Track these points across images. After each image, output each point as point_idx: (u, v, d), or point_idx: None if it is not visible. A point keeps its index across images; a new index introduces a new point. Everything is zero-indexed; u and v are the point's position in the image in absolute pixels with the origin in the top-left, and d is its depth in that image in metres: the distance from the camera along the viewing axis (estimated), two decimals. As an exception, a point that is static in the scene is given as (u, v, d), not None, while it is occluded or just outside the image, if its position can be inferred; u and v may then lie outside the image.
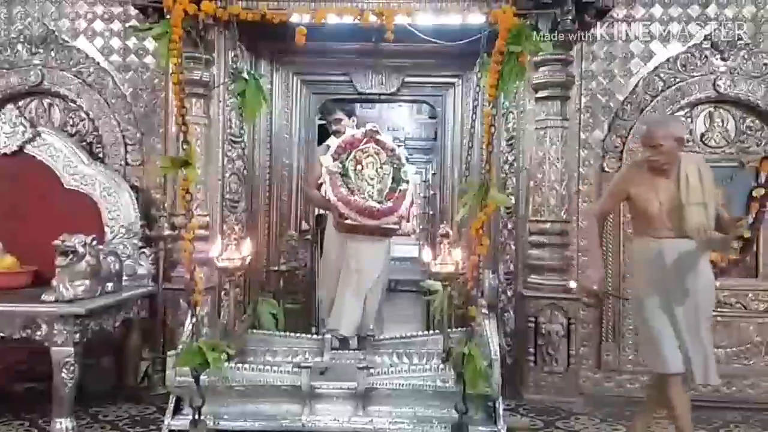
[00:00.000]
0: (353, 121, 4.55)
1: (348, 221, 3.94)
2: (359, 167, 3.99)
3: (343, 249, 4.21)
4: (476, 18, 3.89)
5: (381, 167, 4.03)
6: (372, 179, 3.99)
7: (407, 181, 4.05)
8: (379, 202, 3.94)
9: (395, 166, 4.05)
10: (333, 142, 4.22)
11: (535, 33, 2.92)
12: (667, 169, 2.99)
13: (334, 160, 3.97)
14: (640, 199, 3.05)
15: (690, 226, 2.88)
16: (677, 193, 2.94)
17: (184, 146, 2.62)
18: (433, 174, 7.67)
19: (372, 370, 2.72)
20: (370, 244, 4.17)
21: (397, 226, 4.10)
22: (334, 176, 3.93)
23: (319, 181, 4.10)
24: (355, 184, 3.95)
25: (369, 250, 4.19)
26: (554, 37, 3.97)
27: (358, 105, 8.78)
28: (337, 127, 4.46)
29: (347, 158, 3.99)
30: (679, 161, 2.99)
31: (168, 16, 2.71)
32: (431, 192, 7.97)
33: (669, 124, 3.08)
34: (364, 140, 4.04)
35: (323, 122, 5.28)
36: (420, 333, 3.42)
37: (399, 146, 4.22)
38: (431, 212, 7.22)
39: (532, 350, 4.09)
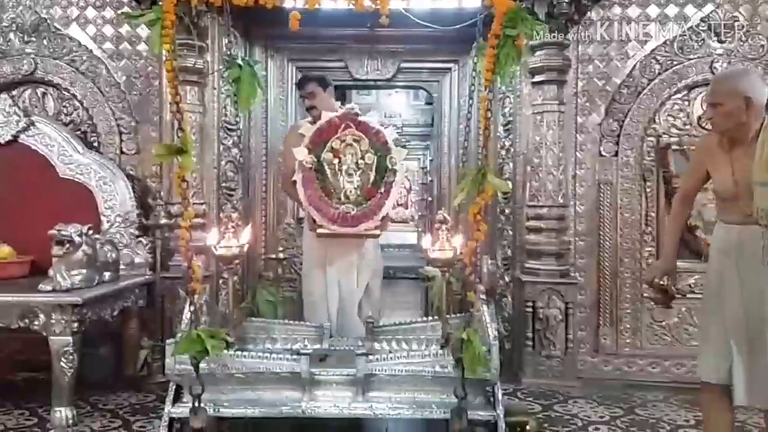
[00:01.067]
0: (330, 93, 3.89)
1: (321, 230, 3.48)
2: (336, 161, 3.46)
3: (324, 254, 3.73)
4: (472, 2, 3.87)
5: (362, 157, 3.46)
6: (350, 175, 3.45)
7: (395, 171, 3.47)
8: (358, 204, 3.43)
9: (380, 153, 3.47)
10: (307, 128, 3.61)
11: (531, 16, 2.88)
12: (742, 137, 2.44)
13: (309, 152, 3.46)
14: (714, 175, 2.57)
15: (754, 211, 2.26)
16: (751, 167, 2.32)
17: (179, 134, 2.59)
18: (431, 160, 7.65)
19: (371, 357, 2.72)
20: (353, 256, 3.69)
21: (378, 231, 3.52)
22: (308, 173, 3.44)
23: (293, 178, 3.58)
24: (330, 181, 3.44)
25: (352, 267, 3.70)
26: (552, 29, 3.95)
27: (354, 91, 8.85)
28: (312, 103, 3.80)
29: (323, 150, 3.46)
30: (762, 126, 2.34)
31: (160, 2, 2.68)
32: (429, 178, 7.97)
33: (738, 78, 2.50)
34: (342, 126, 3.49)
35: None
36: (419, 319, 3.41)
37: (386, 127, 3.72)
38: (429, 198, 7.22)
39: (530, 335, 4.12)
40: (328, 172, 3.44)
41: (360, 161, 3.46)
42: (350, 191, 3.44)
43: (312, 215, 3.47)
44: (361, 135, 3.47)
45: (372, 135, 3.49)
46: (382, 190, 3.45)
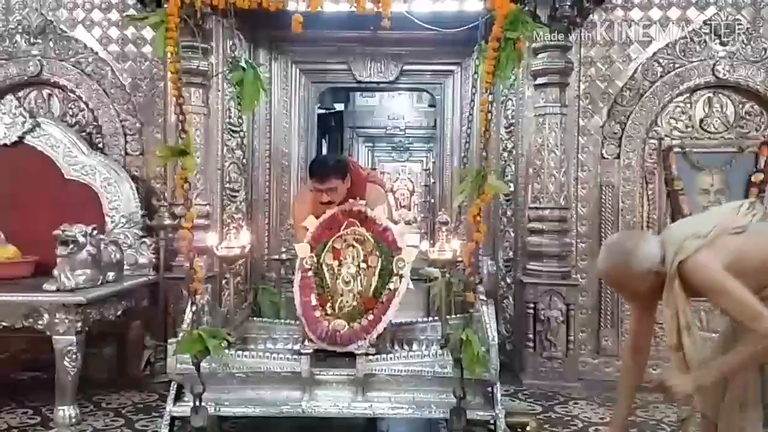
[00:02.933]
0: (348, 179, 3.25)
1: (308, 344, 2.90)
2: (336, 263, 3.03)
3: None
4: (474, 5, 3.89)
5: (365, 260, 3.02)
6: (348, 283, 2.99)
7: (401, 276, 2.95)
8: (352, 318, 2.92)
9: (384, 255, 2.99)
10: (311, 222, 3.14)
11: (532, 19, 2.90)
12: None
13: (312, 248, 3.06)
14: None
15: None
16: None
17: (182, 135, 2.62)
18: (433, 162, 7.67)
19: (371, 357, 2.74)
20: None
21: (373, 350, 2.84)
22: (306, 276, 3.02)
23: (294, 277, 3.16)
24: (329, 286, 3.01)
25: None
26: (555, 32, 3.96)
27: (357, 93, 8.87)
28: (332, 198, 3.18)
29: (324, 250, 3.04)
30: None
31: (165, 5, 2.71)
32: (431, 180, 7.98)
33: (630, 260, 2.09)
34: (345, 223, 3.07)
35: (323, 111, 5.26)
36: (419, 319, 3.43)
37: (397, 222, 3.30)
38: (432, 200, 7.24)
39: (531, 336, 4.13)
40: (327, 276, 3.04)
41: (362, 264, 3.03)
42: (346, 302, 2.99)
43: (303, 325, 3.01)
44: (365, 234, 3.06)
45: (378, 233, 3.07)
46: (383, 299, 2.95)
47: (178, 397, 2.76)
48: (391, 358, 2.76)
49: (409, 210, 9.82)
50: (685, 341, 2.06)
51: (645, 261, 2.09)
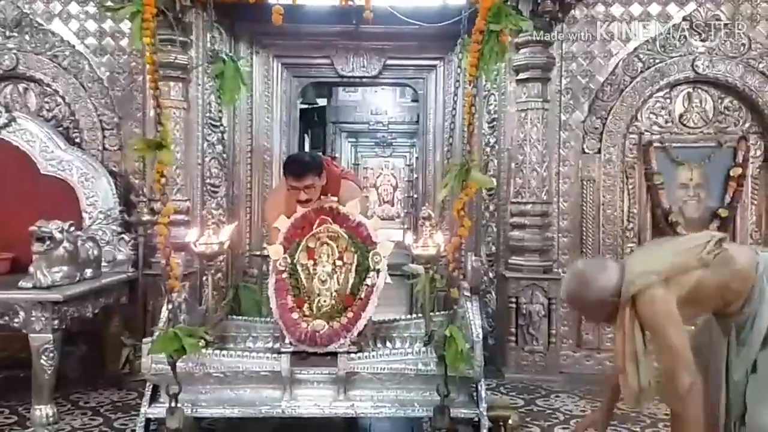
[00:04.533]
0: (323, 176, 3.15)
1: (288, 347, 2.80)
2: (311, 262, 2.96)
3: None
4: (456, -1, 3.87)
5: (340, 257, 2.95)
6: (324, 282, 2.92)
7: (378, 271, 2.90)
8: (331, 317, 2.85)
9: (360, 251, 2.94)
10: (282, 222, 3.08)
11: (515, 12, 2.88)
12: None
13: (285, 250, 2.99)
14: None
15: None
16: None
17: (159, 128, 2.57)
18: (416, 157, 7.65)
19: (353, 355, 2.70)
20: None
21: (354, 349, 2.79)
22: (281, 278, 2.94)
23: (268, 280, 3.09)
24: (305, 287, 2.93)
25: None
26: (537, 27, 3.96)
27: (340, 89, 8.82)
28: (310, 195, 3.07)
29: (297, 249, 2.97)
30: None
31: (142, -5, 2.66)
32: (414, 175, 7.97)
33: (589, 287, 2.17)
34: (318, 221, 3.00)
35: (305, 106, 5.20)
36: (402, 317, 3.40)
37: (371, 216, 3.22)
38: (415, 195, 7.22)
39: (513, 330, 4.15)
40: (303, 276, 2.96)
41: (338, 261, 2.96)
42: (324, 301, 2.92)
43: (281, 328, 2.90)
44: (339, 231, 2.99)
45: (352, 229, 3.00)
46: (362, 295, 2.89)
47: (154, 398, 2.69)
48: (373, 356, 2.72)
49: (392, 206, 9.81)
50: (629, 367, 2.11)
51: (602, 291, 2.16)
